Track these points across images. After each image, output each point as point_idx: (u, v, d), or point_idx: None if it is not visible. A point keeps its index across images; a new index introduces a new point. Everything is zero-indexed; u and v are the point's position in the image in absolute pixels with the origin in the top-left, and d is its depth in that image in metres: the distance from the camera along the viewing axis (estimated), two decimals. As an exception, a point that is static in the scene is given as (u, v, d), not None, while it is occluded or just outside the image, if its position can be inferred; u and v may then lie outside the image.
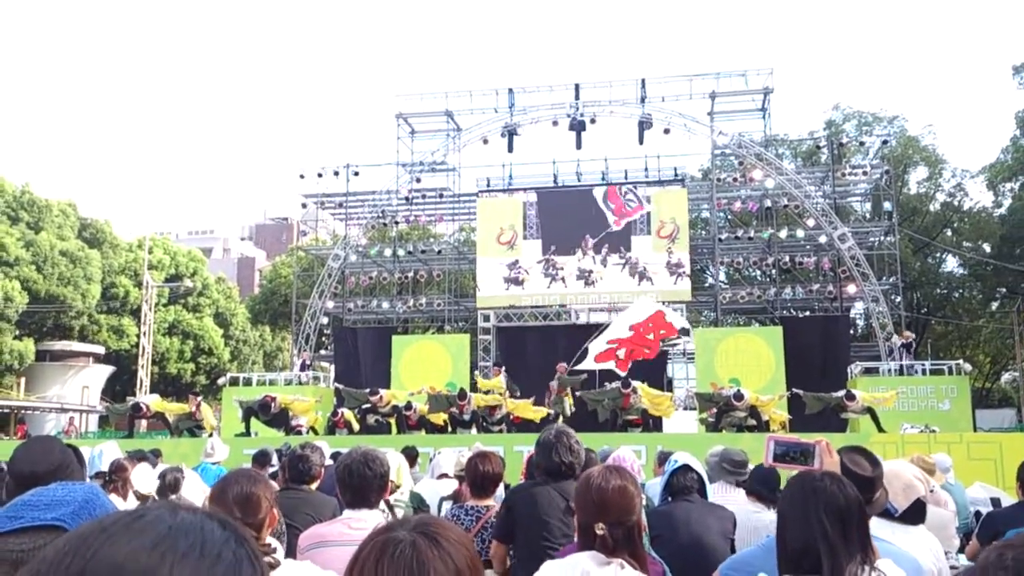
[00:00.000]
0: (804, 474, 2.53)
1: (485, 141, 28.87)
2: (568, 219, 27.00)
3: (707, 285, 31.82)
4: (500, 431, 15.27)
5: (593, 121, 28.11)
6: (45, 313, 39.84)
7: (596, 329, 26.70)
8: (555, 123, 28.29)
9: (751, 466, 5.24)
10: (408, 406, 15.95)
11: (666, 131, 27.70)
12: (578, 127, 28.02)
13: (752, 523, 4.51)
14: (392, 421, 16.24)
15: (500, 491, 4.91)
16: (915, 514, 3.23)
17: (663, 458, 6.62)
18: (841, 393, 15.82)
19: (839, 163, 28.38)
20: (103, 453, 6.43)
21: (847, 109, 38.93)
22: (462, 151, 29.82)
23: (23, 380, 39.49)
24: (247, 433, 16.25)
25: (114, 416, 19.11)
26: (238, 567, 0.87)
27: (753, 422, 14.88)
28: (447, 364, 24.16)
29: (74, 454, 2.77)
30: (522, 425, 15.76)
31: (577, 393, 17.08)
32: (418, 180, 29.60)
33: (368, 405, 15.96)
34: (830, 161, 28.28)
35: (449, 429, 15.68)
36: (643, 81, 28.07)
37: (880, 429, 14.64)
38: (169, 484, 5.03)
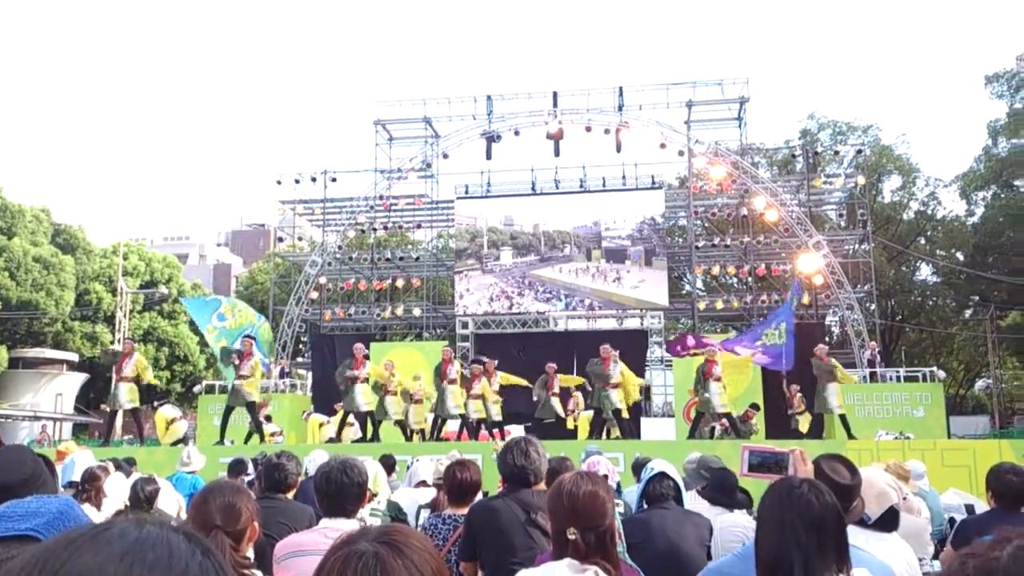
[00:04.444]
0: (783, 480, 2.52)
1: (462, 145, 28.93)
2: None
3: (684, 292, 31.96)
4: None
5: (571, 128, 28.17)
6: (18, 320, 39.31)
7: (575, 336, 26.81)
8: (533, 130, 28.35)
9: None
10: None
11: (644, 139, 27.85)
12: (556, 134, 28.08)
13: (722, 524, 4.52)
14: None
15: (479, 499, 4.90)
16: (888, 521, 3.24)
17: (639, 466, 6.63)
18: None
19: (814, 172, 28.63)
20: (75, 463, 6.31)
21: (822, 118, 39.33)
22: (440, 158, 29.83)
23: (-5, 388, 38.98)
24: (222, 437, 15.95)
25: (107, 358, 18.35)
26: None
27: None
28: (426, 371, 24.07)
29: (45, 464, 2.74)
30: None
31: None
32: (395, 186, 29.56)
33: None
34: (805, 170, 28.53)
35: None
36: (620, 89, 28.19)
37: (850, 436, 14.72)
38: (145, 496, 4.97)
